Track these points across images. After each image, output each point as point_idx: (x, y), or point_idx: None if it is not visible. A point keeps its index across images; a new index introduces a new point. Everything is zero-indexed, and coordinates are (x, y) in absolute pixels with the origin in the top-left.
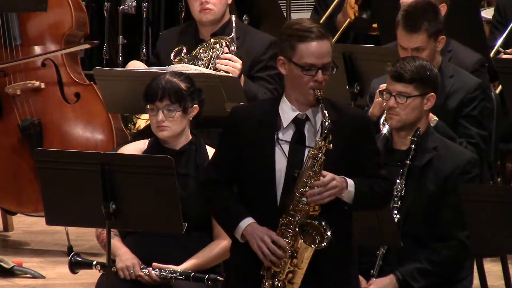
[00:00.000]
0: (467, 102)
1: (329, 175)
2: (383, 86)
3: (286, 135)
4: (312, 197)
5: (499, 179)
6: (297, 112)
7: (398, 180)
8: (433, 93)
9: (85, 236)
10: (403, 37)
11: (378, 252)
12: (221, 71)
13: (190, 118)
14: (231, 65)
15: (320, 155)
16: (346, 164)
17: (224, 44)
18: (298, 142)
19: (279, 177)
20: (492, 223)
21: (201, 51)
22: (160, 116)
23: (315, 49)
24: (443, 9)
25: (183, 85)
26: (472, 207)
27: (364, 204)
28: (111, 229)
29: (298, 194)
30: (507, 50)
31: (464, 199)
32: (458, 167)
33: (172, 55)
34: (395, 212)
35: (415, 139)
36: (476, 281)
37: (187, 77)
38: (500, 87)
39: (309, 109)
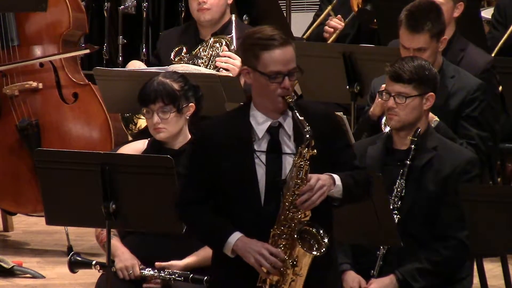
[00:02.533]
0: (468, 103)
1: (314, 177)
2: (384, 86)
3: (261, 145)
4: (302, 204)
5: (499, 179)
6: (270, 121)
7: (398, 180)
8: (432, 93)
9: (85, 236)
10: (405, 37)
11: (378, 252)
12: (221, 69)
13: (187, 117)
14: (230, 62)
15: (304, 163)
16: (323, 162)
17: (224, 43)
18: (274, 150)
19: (261, 188)
20: (492, 223)
21: (201, 50)
22: (155, 118)
23: (279, 56)
24: (460, 7)
25: (176, 85)
26: (472, 207)
27: (353, 196)
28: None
29: (287, 204)
30: None
31: (464, 199)
32: (458, 167)
33: (172, 54)
34: (395, 212)
35: (415, 139)
36: (476, 281)
37: (180, 76)
38: None
39: (280, 116)
